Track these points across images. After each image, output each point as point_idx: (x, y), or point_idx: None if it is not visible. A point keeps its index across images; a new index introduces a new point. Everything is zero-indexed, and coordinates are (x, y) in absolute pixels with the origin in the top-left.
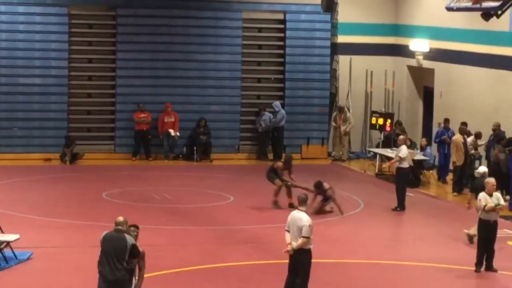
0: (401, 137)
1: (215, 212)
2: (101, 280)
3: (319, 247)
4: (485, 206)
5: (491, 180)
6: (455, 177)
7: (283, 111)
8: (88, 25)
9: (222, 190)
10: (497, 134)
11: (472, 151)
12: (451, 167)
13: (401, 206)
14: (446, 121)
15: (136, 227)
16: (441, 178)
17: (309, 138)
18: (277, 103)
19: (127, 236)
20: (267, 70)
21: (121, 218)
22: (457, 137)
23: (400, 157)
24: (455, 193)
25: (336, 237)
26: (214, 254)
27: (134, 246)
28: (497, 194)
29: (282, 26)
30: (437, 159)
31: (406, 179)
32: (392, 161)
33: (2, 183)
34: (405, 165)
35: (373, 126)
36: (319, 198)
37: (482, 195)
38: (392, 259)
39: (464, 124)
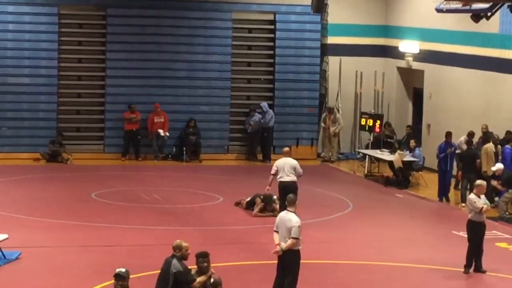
0: (286, 149)
1: (204, 213)
2: None
3: (308, 248)
4: (481, 208)
5: (484, 183)
6: (488, 188)
7: (271, 112)
8: (78, 25)
9: (211, 190)
10: (486, 136)
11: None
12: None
13: None
14: (448, 134)
15: (204, 256)
16: (440, 197)
17: (298, 139)
18: (264, 104)
19: (173, 261)
20: (257, 71)
21: (177, 242)
22: (490, 145)
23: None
24: (492, 205)
25: (325, 238)
26: None
27: (179, 274)
28: (483, 196)
29: (272, 26)
30: (429, 162)
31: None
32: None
33: None
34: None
35: (362, 127)
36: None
37: (474, 196)
38: (381, 260)
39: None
